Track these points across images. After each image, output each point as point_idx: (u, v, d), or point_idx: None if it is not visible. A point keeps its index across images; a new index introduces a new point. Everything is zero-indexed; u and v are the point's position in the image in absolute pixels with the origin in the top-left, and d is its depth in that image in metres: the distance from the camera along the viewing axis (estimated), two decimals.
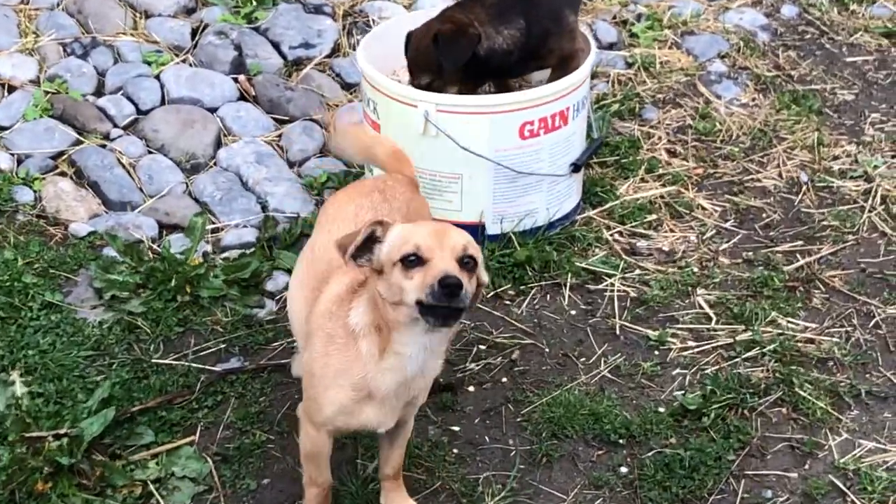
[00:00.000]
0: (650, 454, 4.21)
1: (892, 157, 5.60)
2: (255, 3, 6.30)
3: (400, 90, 4.88)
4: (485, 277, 3.31)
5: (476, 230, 4.90)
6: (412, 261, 3.11)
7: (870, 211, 5.29)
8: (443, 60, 4.95)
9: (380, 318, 3.29)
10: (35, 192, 5.26)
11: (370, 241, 3.20)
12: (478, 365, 4.55)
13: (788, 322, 4.73)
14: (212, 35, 6.07)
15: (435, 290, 3.02)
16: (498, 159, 4.85)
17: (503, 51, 4.97)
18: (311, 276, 3.67)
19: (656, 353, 4.64)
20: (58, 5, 6.24)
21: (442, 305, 3.06)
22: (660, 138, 5.67)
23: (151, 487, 4.07)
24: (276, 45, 6.09)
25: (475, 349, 4.61)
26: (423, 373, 3.38)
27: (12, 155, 5.42)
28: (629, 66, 6.15)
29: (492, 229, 4.95)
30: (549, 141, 4.91)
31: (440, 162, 4.87)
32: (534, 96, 4.86)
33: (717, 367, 4.56)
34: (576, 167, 5.06)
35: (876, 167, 5.52)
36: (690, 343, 4.67)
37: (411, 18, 5.32)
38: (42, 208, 5.19)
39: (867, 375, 4.54)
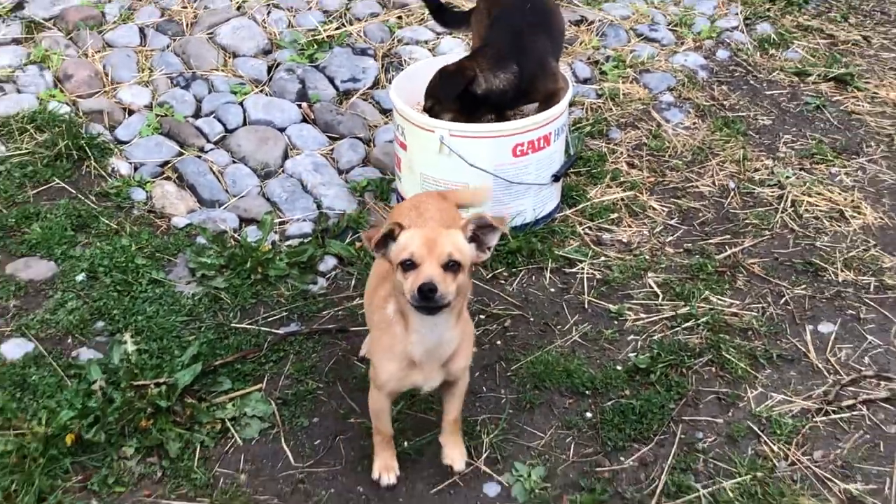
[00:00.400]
0: (609, 403, 4.08)
1: (800, 169, 5.44)
2: (316, 47, 6.16)
3: (421, 119, 4.73)
4: (484, 257, 3.30)
5: None
6: (408, 265, 3.10)
7: (782, 212, 5.13)
8: (440, 91, 4.82)
9: (400, 306, 3.28)
10: (147, 192, 5.13)
11: (389, 238, 3.18)
12: (478, 330, 4.41)
13: (718, 299, 4.58)
14: (283, 71, 5.93)
15: (415, 294, 3.04)
16: (496, 172, 4.70)
17: (500, 90, 4.83)
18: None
19: (615, 322, 4.49)
20: (167, 47, 6.11)
21: (422, 305, 3.08)
22: (621, 153, 5.51)
23: (228, 424, 3.99)
24: (330, 80, 5.95)
25: (476, 318, 4.48)
26: (442, 342, 3.31)
27: (130, 163, 5.30)
28: (599, 96, 5.99)
29: None
30: (536, 158, 4.76)
31: (451, 174, 4.71)
32: (524, 125, 4.70)
33: (662, 334, 4.41)
34: (556, 178, 4.91)
35: (787, 177, 5.35)
36: (642, 315, 4.52)
37: (434, 62, 5.16)
38: (152, 205, 5.06)
39: (778, 342, 4.39)
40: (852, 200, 5.18)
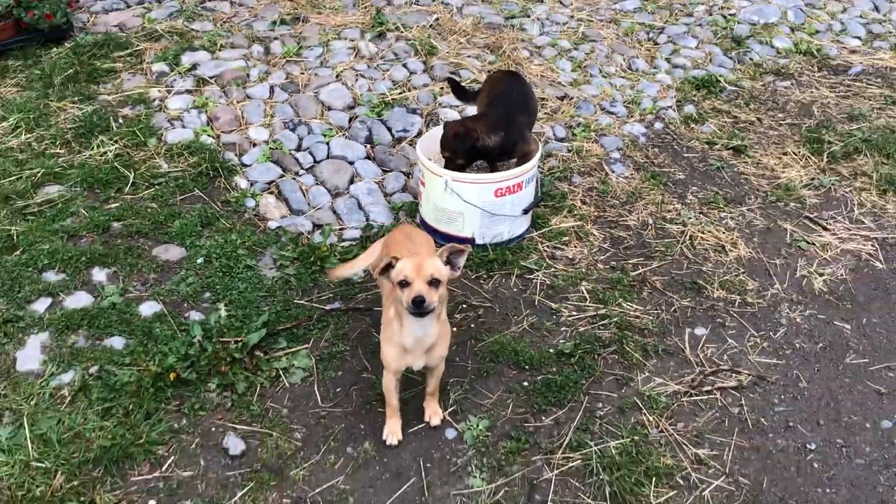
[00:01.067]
0: (540, 377, 3.76)
1: (700, 213, 4.97)
2: (383, 106, 5.81)
3: (434, 168, 4.40)
4: (456, 274, 3.09)
5: (471, 241, 4.45)
6: (403, 283, 2.92)
7: (682, 244, 4.69)
8: (455, 145, 4.48)
9: (397, 311, 3.10)
10: (255, 201, 4.88)
11: (389, 267, 2.99)
12: (459, 316, 4.10)
13: (627, 305, 4.20)
14: (357, 122, 5.61)
15: (410, 305, 2.88)
16: (482, 207, 4.36)
17: (491, 147, 4.48)
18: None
19: (554, 317, 4.13)
20: (285, 101, 5.81)
21: (416, 311, 2.89)
22: (578, 194, 5.10)
23: (280, 373, 3.74)
24: (389, 129, 5.60)
25: (459, 307, 4.16)
26: (426, 335, 3.12)
27: (248, 181, 5.04)
28: (569, 151, 5.55)
29: (478, 241, 4.48)
30: (511, 198, 4.40)
31: (453, 205, 4.39)
32: (503, 176, 4.35)
33: (585, 328, 4.05)
34: (525, 211, 4.54)
35: (689, 219, 4.89)
36: (574, 313, 4.16)
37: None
38: (257, 211, 4.81)
39: (664, 340, 4.01)
40: (732, 238, 4.72)
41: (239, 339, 3.79)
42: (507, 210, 4.42)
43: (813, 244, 4.67)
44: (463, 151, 4.52)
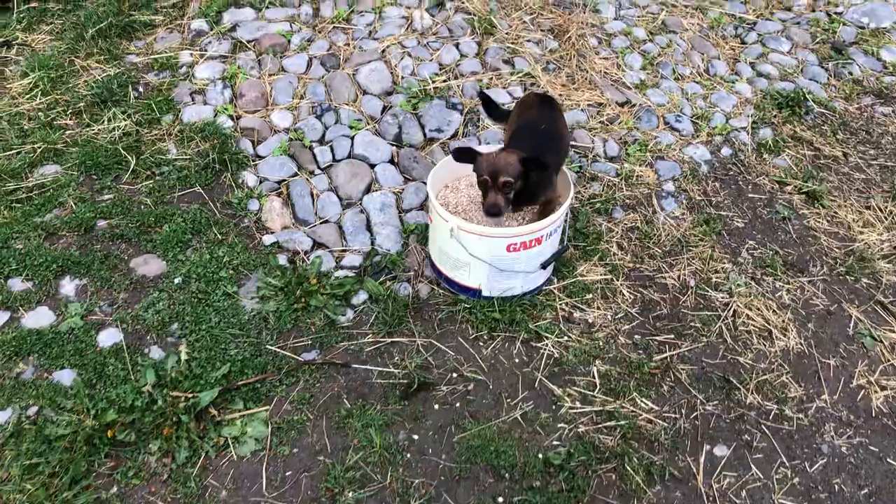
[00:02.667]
0: (518, 498, 2.92)
1: (752, 278, 3.91)
2: (422, 96, 4.84)
3: (441, 212, 3.46)
4: None
5: (477, 292, 3.57)
6: None
7: (723, 321, 3.67)
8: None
9: None
10: (260, 204, 4.08)
11: None
12: (447, 388, 3.29)
13: (642, 402, 3.28)
14: (389, 115, 4.67)
15: None
16: (491, 262, 3.45)
17: (523, 189, 3.45)
18: None
19: (553, 407, 3.26)
20: (321, 78, 4.90)
21: None
22: (616, 234, 4.09)
23: (230, 441, 3.03)
24: (422, 127, 4.65)
25: (449, 376, 3.34)
26: None
27: (257, 178, 4.23)
28: (617, 175, 4.49)
29: (485, 293, 3.58)
30: (527, 253, 3.47)
31: (459, 254, 3.49)
32: (517, 232, 3.39)
33: (585, 429, 3.17)
34: (543, 266, 3.59)
35: (738, 286, 3.84)
36: (577, 405, 3.27)
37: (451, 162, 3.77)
38: (258, 217, 4.01)
39: (675, 458, 3.10)
40: (783, 322, 3.67)
41: (192, 393, 3.08)
42: (521, 266, 3.50)
43: (880, 342, 3.60)
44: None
